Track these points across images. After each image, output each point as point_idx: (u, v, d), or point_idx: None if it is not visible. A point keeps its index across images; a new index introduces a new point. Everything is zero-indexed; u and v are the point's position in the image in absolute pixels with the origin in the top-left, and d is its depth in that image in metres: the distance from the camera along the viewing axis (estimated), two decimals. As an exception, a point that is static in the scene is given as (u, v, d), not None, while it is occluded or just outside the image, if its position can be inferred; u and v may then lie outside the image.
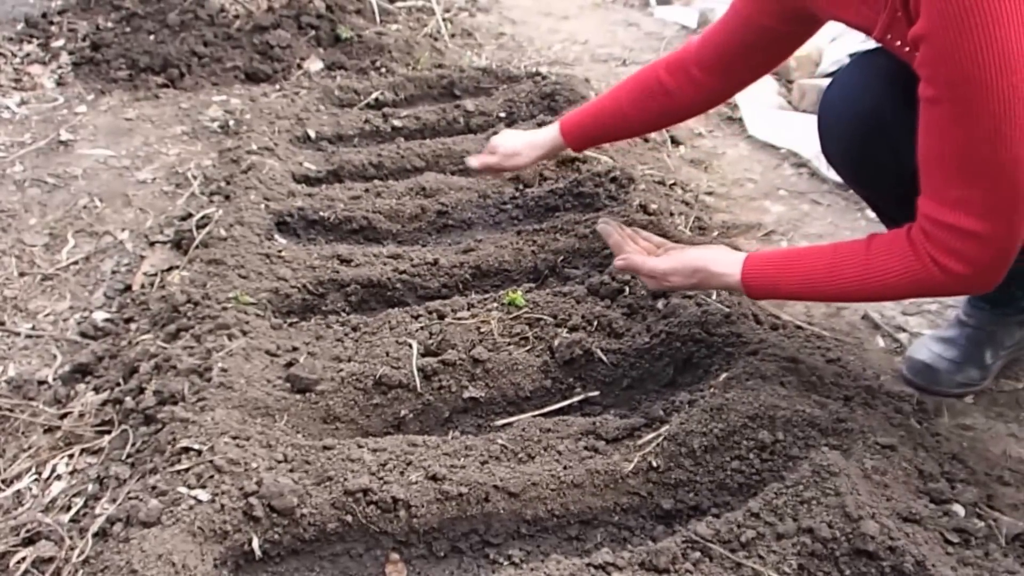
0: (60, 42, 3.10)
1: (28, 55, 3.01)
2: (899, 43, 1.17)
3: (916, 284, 1.13)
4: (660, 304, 1.53)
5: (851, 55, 2.79)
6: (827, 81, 2.72)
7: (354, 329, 1.56)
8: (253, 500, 1.11)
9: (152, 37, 3.00)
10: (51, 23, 3.23)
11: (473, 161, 1.84)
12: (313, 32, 3.11)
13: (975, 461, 1.25)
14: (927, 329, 1.64)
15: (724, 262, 1.28)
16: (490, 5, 3.94)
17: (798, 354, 1.38)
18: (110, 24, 3.16)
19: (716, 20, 1.52)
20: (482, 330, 1.51)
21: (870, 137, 1.31)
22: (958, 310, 1.54)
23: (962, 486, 1.17)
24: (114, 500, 1.17)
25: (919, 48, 1.05)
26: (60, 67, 2.93)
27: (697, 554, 1.03)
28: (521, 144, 1.78)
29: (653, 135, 2.53)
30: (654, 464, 1.19)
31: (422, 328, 1.53)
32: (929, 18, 1.02)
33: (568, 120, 1.72)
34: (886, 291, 1.17)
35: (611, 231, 1.44)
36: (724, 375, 1.31)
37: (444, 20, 3.40)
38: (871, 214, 1.70)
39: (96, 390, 1.47)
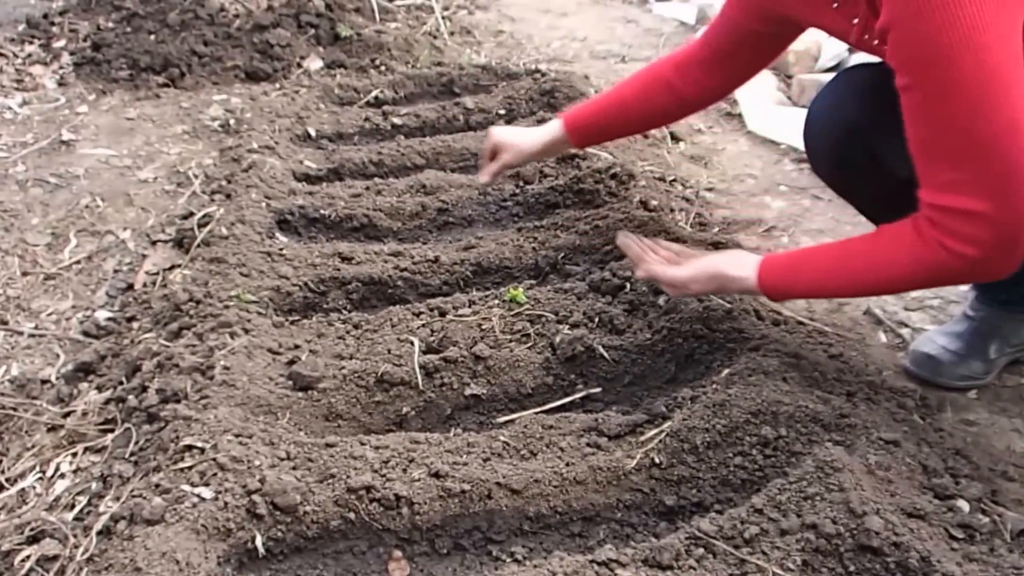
0: (61, 42, 3.10)
1: (30, 56, 3.01)
2: (876, 42, 1.18)
3: (928, 272, 1.12)
4: (661, 300, 1.53)
5: (849, 49, 2.80)
6: (826, 76, 2.74)
7: (356, 327, 1.56)
8: (256, 498, 1.11)
9: (153, 37, 3.00)
10: (52, 24, 3.24)
11: (484, 177, 1.82)
12: (313, 31, 3.11)
13: (979, 456, 1.25)
14: (930, 324, 1.64)
15: (740, 266, 1.29)
16: (489, 3, 3.94)
17: (800, 350, 1.38)
18: (111, 24, 3.16)
19: (713, 19, 1.54)
20: (483, 327, 1.51)
21: (852, 148, 1.34)
22: (964, 305, 1.55)
23: (966, 481, 1.16)
24: (118, 498, 1.17)
25: (887, 38, 1.06)
26: (62, 67, 2.93)
27: (700, 550, 1.03)
28: (523, 140, 1.77)
29: (653, 131, 2.53)
30: (657, 460, 1.19)
31: (423, 325, 1.53)
32: (892, 8, 1.03)
33: (571, 116, 1.71)
34: (899, 282, 1.17)
35: (630, 244, 1.47)
36: (726, 371, 1.31)
37: (443, 18, 3.40)
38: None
39: (99, 389, 1.48)
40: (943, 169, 1.06)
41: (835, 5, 1.24)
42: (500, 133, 1.80)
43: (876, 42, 1.18)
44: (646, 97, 1.61)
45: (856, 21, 1.21)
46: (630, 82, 1.65)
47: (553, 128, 1.72)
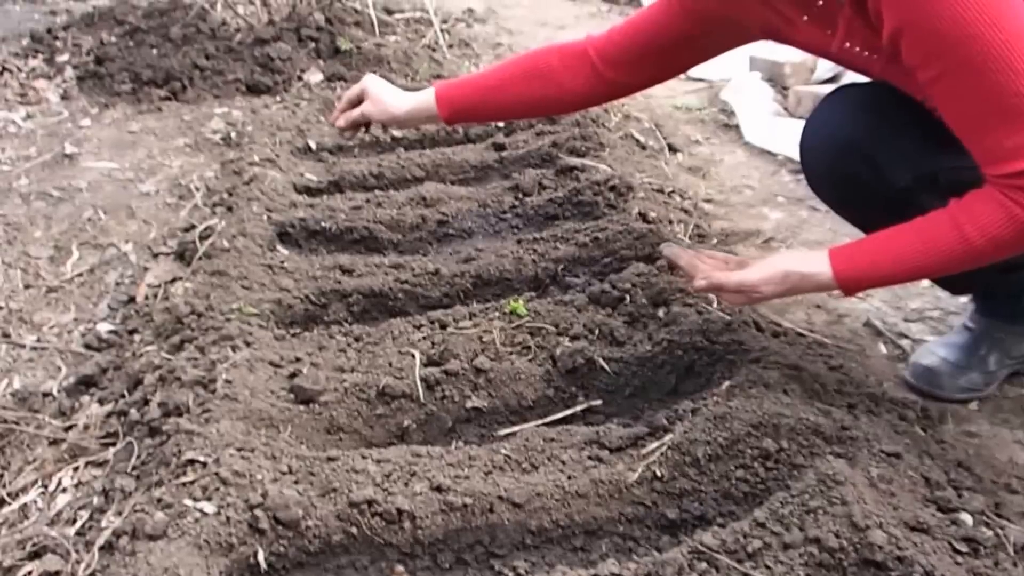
0: (65, 56, 3.13)
1: (34, 70, 3.04)
2: (859, 49, 1.19)
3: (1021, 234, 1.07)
4: (661, 312, 1.54)
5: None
6: (823, 87, 2.76)
7: (356, 339, 1.57)
8: (258, 512, 1.11)
9: (155, 51, 3.03)
10: (56, 38, 3.27)
11: (340, 122, 1.70)
12: (313, 44, 3.13)
13: (982, 468, 1.25)
14: (929, 335, 1.65)
15: (811, 262, 1.23)
16: (487, 15, 3.97)
17: (800, 361, 1.39)
18: (114, 38, 3.19)
19: (632, 14, 1.48)
20: (484, 339, 1.51)
21: (849, 163, 1.33)
22: (963, 317, 1.55)
23: (969, 494, 1.16)
24: (120, 513, 1.17)
25: (899, 44, 1.07)
26: (65, 81, 2.95)
27: (703, 564, 1.03)
28: (391, 99, 1.63)
29: (651, 143, 2.55)
30: (658, 473, 1.19)
31: (424, 338, 1.53)
32: (898, 11, 1.04)
33: (446, 90, 1.59)
34: (993, 248, 1.10)
35: (680, 253, 1.37)
36: (727, 383, 1.31)
37: (442, 31, 3.42)
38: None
39: (101, 402, 1.48)
40: (1001, 137, 1.05)
41: (806, 18, 1.24)
42: (372, 83, 1.66)
43: (857, 48, 1.19)
44: (527, 83, 1.54)
45: (832, 32, 1.22)
46: (514, 63, 1.58)
47: (425, 97, 1.60)
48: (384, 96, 1.64)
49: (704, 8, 1.36)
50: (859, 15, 1.13)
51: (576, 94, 1.53)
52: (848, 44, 1.20)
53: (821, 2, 1.22)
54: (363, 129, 1.74)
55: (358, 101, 1.68)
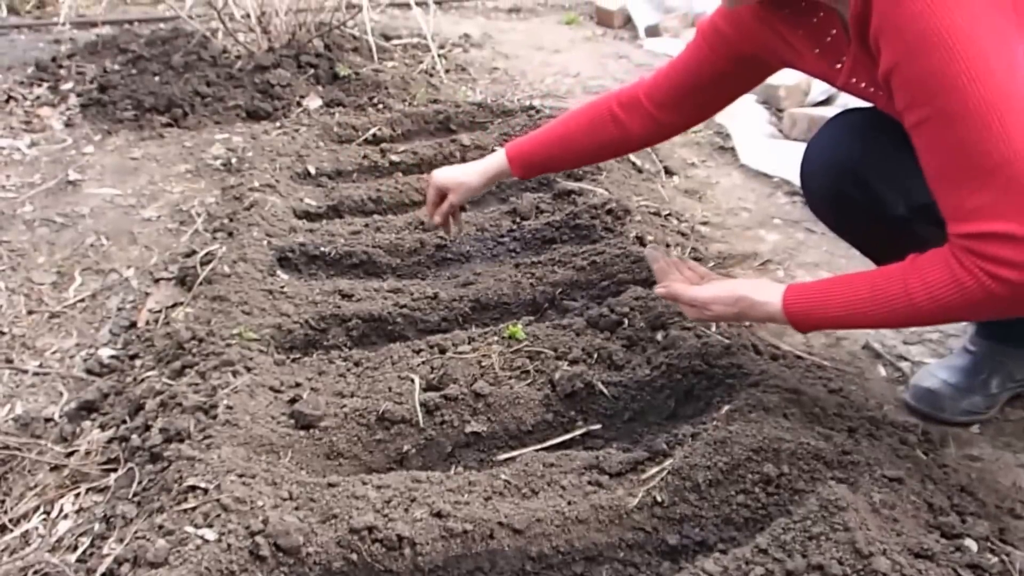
0: (69, 84, 3.16)
1: (38, 98, 3.07)
2: (864, 84, 1.21)
3: (969, 299, 1.06)
4: (659, 336, 1.55)
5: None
6: (817, 110, 2.78)
7: (356, 364, 1.58)
8: (259, 539, 1.11)
9: (157, 78, 3.06)
10: (60, 67, 3.31)
11: (437, 219, 1.79)
12: (312, 71, 3.16)
13: (985, 493, 1.24)
14: (929, 358, 1.65)
15: (765, 291, 1.25)
16: (483, 40, 4.01)
17: (800, 385, 1.39)
18: (117, 66, 3.23)
19: (673, 57, 1.55)
20: (483, 364, 1.52)
21: (848, 189, 1.35)
22: (963, 339, 1.55)
23: (973, 519, 1.15)
24: (121, 540, 1.17)
25: (891, 82, 1.07)
26: (69, 109, 2.98)
27: (704, 589, 1.03)
28: (467, 177, 1.74)
29: (647, 166, 2.57)
30: (658, 499, 1.20)
31: (423, 363, 1.54)
32: (893, 49, 1.04)
33: (515, 148, 1.69)
34: (940, 312, 1.10)
35: (657, 256, 1.45)
36: (726, 407, 1.31)
37: (439, 56, 3.45)
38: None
39: (102, 427, 1.48)
40: (967, 196, 1.04)
41: (817, 51, 1.27)
42: (442, 176, 1.77)
43: (863, 84, 1.20)
44: (592, 131, 1.61)
45: (840, 66, 1.24)
46: (576, 115, 1.65)
47: (496, 161, 1.71)
48: (458, 178, 1.75)
49: (728, 45, 1.41)
50: (864, 51, 1.14)
51: (635, 137, 1.60)
52: (854, 80, 1.21)
53: (830, 37, 1.24)
54: (457, 215, 1.84)
55: (440, 198, 1.78)
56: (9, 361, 1.71)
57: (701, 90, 1.50)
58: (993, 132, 0.99)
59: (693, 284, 1.36)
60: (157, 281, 1.97)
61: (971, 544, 1.10)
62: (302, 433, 1.38)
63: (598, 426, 1.43)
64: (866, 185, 1.33)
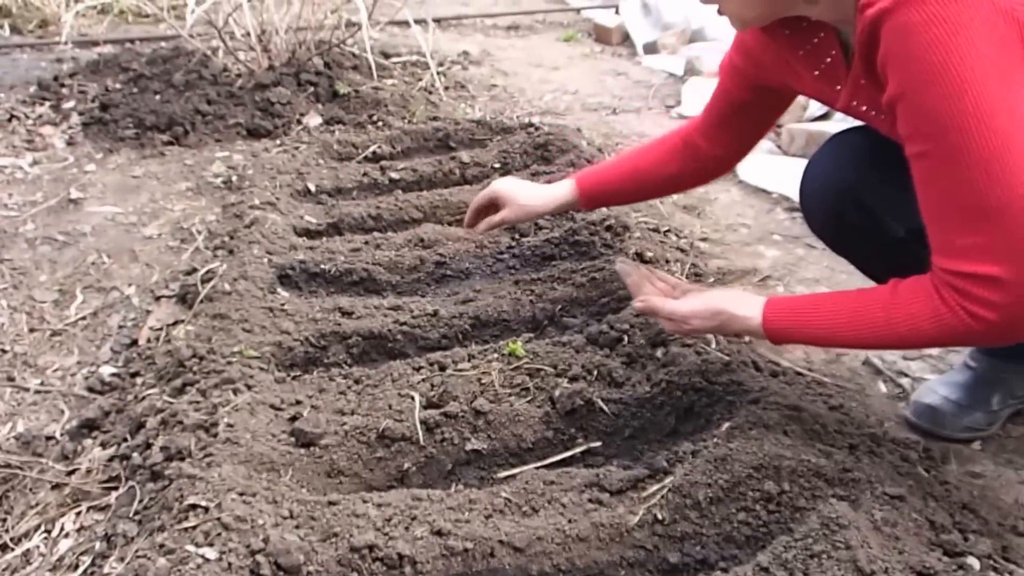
0: (71, 103, 3.18)
1: (40, 116, 3.09)
2: (865, 108, 1.22)
3: (949, 334, 1.09)
4: (659, 353, 1.55)
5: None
6: (815, 125, 2.80)
7: (356, 382, 1.58)
8: (260, 558, 1.11)
9: (158, 97, 3.08)
10: (62, 85, 3.33)
11: (481, 227, 1.80)
12: (312, 88, 3.18)
13: (987, 511, 1.24)
14: (929, 374, 1.65)
15: (745, 305, 1.26)
16: (482, 58, 4.04)
17: (800, 402, 1.39)
18: (118, 85, 3.25)
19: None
20: (483, 381, 1.53)
21: (848, 209, 1.36)
22: (963, 355, 1.55)
23: (975, 537, 1.15)
24: (122, 559, 1.17)
25: (895, 109, 1.08)
26: (71, 127, 3.00)
27: (705, 608, 1.02)
28: (531, 199, 1.72)
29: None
30: (659, 517, 1.20)
31: (424, 380, 1.54)
32: (901, 79, 1.05)
33: (585, 180, 1.70)
34: (916, 340, 1.14)
35: (629, 271, 1.45)
36: (726, 424, 1.32)
37: (438, 74, 3.48)
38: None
39: (103, 445, 1.48)
40: (961, 234, 1.05)
41: (816, 72, 1.28)
42: (505, 186, 1.75)
43: (864, 108, 1.21)
44: (660, 166, 1.64)
45: (839, 88, 1.25)
46: (646, 151, 1.68)
47: (565, 191, 1.70)
48: (520, 198, 1.73)
49: (743, 76, 1.44)
50: (867, 74, 1.14)
51: (695, 173, 1.64)
52: (855, 103, 1.22)
53: (829, 58, 1.25)
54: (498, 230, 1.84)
55: (490, 206, 1.77)
56: (11, 379, 1.71)
57: (735, 121, 1.53)
58: (993, 176, 1.00)
59: (668, 296, 1.37)
60: (158, 299, 1.97)
61: (973, 562, 1.10)
62: (302, 451, 1.38)
63: (598, 443, 1.43)
64: (865, 207, 1.33)
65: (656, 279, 1.43)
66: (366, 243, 2.11)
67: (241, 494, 1.22)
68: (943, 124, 1.02)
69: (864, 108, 1.21)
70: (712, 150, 1.58)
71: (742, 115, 1.52)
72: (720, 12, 1.24)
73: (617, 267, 1.48)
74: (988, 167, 1.00)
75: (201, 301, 1.86)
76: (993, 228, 1.02)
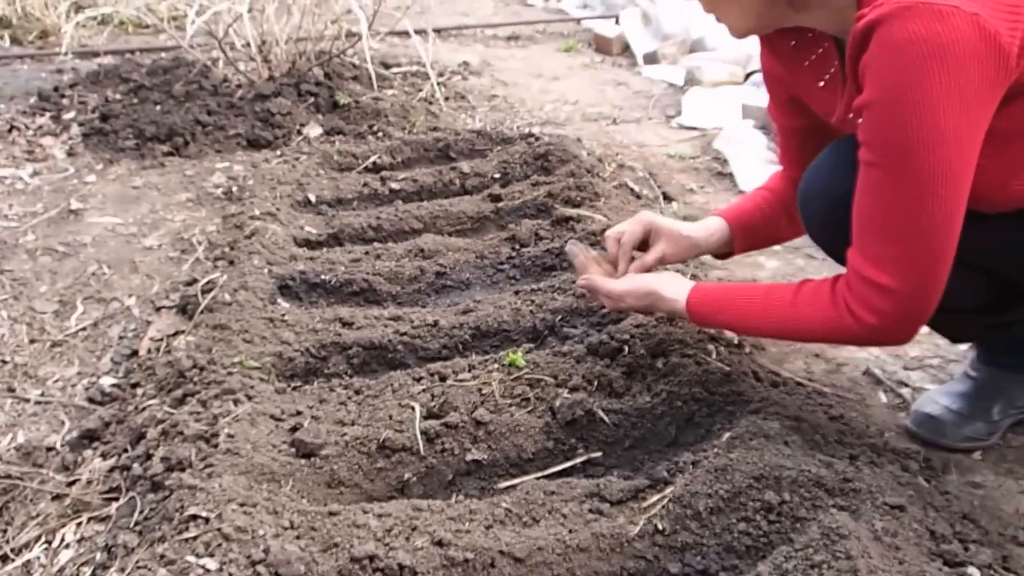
0: (71, 114, 3.19)
1: (40, 127, 3.10)
2: (860, 121, 1.23)
3: (831, 331, 1.23)
4: (659, 363, 1.55)
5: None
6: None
7: (357, 392, 1.58)
8: (260, 568, 1.11)
9: (158, 107, 3.09)
10: (63, 96, 3.34)
11: (635, 267, 1.54)
12: (312, 99, 3.19)
13: (987, 521, 1.24)
14: (929, 384, 1.65)
15: (674, 288, 1.39)
16: (482, 68, 4.05)
17: (800, 412, 1.39)
18: (119, 96, 3.26)
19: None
20: (483, 391, 1.53)
21: (844, 218, 1.36)
22: (964, 364, 1.56)
23: (976, 547, 1.15)
24: (123, 570, 1.17)
25: (862, 114, 1.12)
26: (71, 138, 3.01)
27: (706, 618, 1.02)
28: (692, 233, 1.56)
29: (646, 192, 2.59)
30: (660, 527, 1.20)
31: (424, 390, 1.54)
32: (872, 90, 1.09)
33: (730, 213, 1.58)
34: (805, 335, 1.29)
35: (577, 252, 1.57)
36: (727, 435, 1.32)
37: (438, 84, 3.49)
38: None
39: (103, 456, 1.48)
40: (876, 243, 1.15)
41: (821, 84, 1.29)
42: (654, 220, 1.55)
43: (860, 121, 1.22)
44: (777, 217, 1.57)
45: (838, 100, 1.26)
46: (770, 200, 1.57)
47: (718, 223, 1.57)
48: (682, 233, 1.55)
49: (781, 98, 1.44)
50: (856, 87, 1.16)
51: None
52: (852, 116, 1.24)
53: (832, 70, 1.27)
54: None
55: (642, 241, 1.56)
56: (11, 390, 1.71)
57: (805, 149, 1.48)
58: (922, 202, 1.09)
59: (612, 277, 1.48)
60: (158, 309, 1.98)
61: (974, 572, 1.10)
62: (303, 461, 1.38)
63: (599, 454, 1.43)
64: None
65: (604, 261, 1.53)
66: (366, 253, 2.11)
67: (242, 504, 1.22)
68: (895, 143, 1.08)
69: (860, 121, 1.22)
70: None
71: (806, 141, 1.47)
72: (718, 20, 1.27)
73: (567, 248, 1.59)
74: (921, 192, 1.08)
75: (201, 312, 1.86)
76: (905, 246, 1.12)
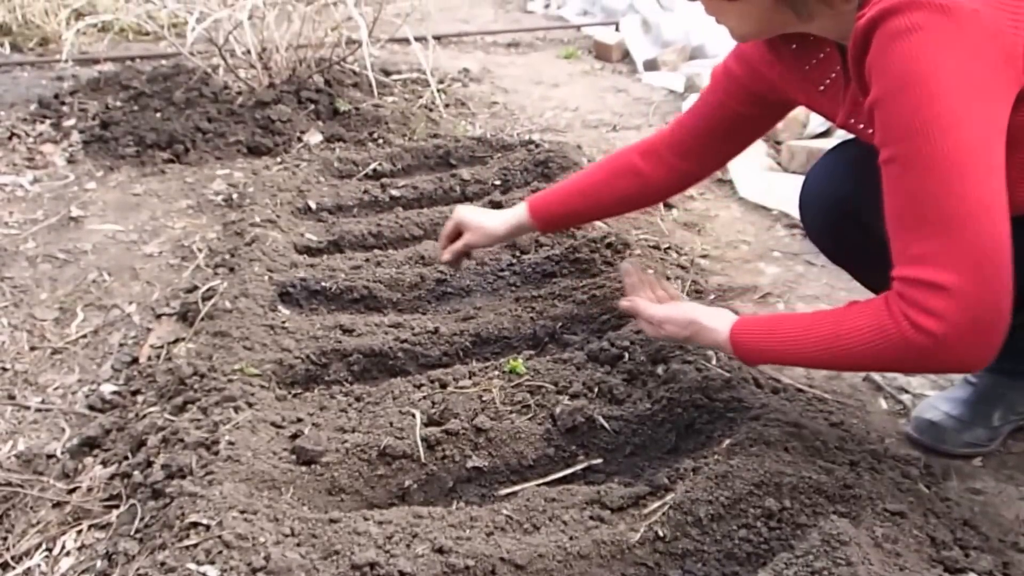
0: (71, 121, 3.20)
1: (41, 134, 3.10)
2: (862, 126, 1.23)
3: (890, 346, 1.07)
4: (660, 370, 1.55)
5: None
6: (815, 142, 2.82)
7: (357, 399, 1.58)
8: (261, 576, 1.12)
9: (159, 115, 3.09)
10: (63, 103, 3.35)
11: (446, 256, 1.83)
12: (313, 106, 3.20)
13: (988, 527, 1.24)
14: (930, 390, 1.65)
15: (716, 319, 1.30)
16: (482, 75, 4.06)
17: (800, 418, 1.39)
18: (119, 103, 3.26)
19: (690, 104, 1.57)
20: (484, 398, 1.53)
21: (843, 221, 1.37)
22: None
23: (976, 554, 1.15)
24: (123, 578, 1.17)
25: (874, 116, 1.09)
26: (71, 145, 3.01)
27: (706, 625, 1.02)
28: (489, 222, 1.76)
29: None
30: (660, 534, 1.20)
31: (425, 397, 1.54)
32: (879, 85, 1.06)
33: (537, 202, 1.72)
34: (861, 355, 1.11)
35: (631, 271, 1.52)
36: (727, 441, 1.32)
37: (438, 91, 3.50)
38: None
39: (104, 463, 1.48)
40: (914, 241, 1.06)
41: (821, 88, 1.30)
42: (465, 213, 1.80)
43: (862, 126, 1.23)
44: (613, 184, 1.63)
45: (840, 104, 1.27)
46: (597, 168, 1.67)
47: (519, 213, 1.73)
48: (481, 221, 1.77)
49: (741, 86, 1.43)
50: (860, 89, 1.16)
51: (656, 188, 1.62)
52: (852, 120, 1.24)
53: (833, 74, 1.27)
54: (467, 257, 1.90)
55: (456, 234, 1.81)
56: (11, 397, 1.71)
57: (719, 134, 1.51)
58: (951, 186, 1.01)
59: (651, 301, 1.43)
60: (159, 317, 1.98)
61: (975, 579, 1.10)
62: (304, 469, 1.38)
63: (599, 460, 1.43)
64: (861, 218, 1.35)
65: (657, 286, 1.47)
66: (367, 260, 2.12)
67: (242, 512, 1.22)
68: (912, 128, 1.03)
69: (861, 126, 1.23)
70: (684, 165, 1.56)
71: (728, 128, 1.50)
72: (718, 22, 1.26)
73: (622, 266, 1.56)
74: (948, 178, 1.01)
75: (202, 319, 1.86)
76: (946, 237, 1.02)
